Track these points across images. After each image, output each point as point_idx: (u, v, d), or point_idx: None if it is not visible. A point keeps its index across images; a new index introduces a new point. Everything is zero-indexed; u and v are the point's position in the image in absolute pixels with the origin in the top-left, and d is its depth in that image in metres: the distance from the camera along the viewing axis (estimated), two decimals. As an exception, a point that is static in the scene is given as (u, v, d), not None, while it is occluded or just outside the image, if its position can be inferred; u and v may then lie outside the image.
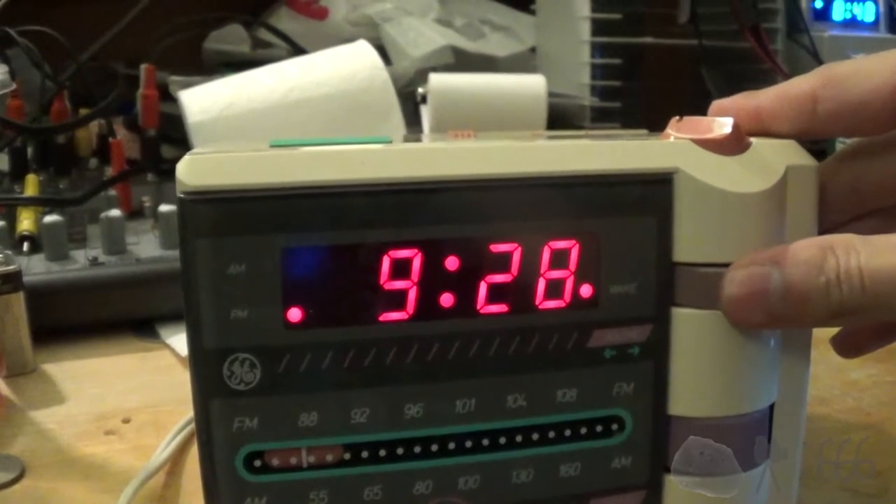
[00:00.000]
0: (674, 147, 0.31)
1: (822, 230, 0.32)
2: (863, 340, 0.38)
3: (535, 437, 0.31)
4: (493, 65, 0.96)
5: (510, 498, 0.31)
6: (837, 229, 0.31)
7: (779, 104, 0.33)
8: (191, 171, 0.28)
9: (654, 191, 0.30)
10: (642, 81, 0.89)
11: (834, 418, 0.45)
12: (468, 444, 0.31)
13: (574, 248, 0.30)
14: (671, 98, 0.33)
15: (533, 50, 1.03)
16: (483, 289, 0.30)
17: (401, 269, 0.29)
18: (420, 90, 0.79)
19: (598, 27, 0.89)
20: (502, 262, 0.30)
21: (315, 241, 0.29)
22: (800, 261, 0.29)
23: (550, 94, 0.79)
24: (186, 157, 0.29)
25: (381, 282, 0.29)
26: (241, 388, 0.29)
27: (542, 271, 0.30)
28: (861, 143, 0.35)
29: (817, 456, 0.40)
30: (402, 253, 0.29)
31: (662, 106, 0.33)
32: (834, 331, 0.38)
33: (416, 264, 0.29)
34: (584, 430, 0.32)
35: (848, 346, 0.38)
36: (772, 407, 0.33)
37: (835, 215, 0.34)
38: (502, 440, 0.31)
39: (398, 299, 0.29)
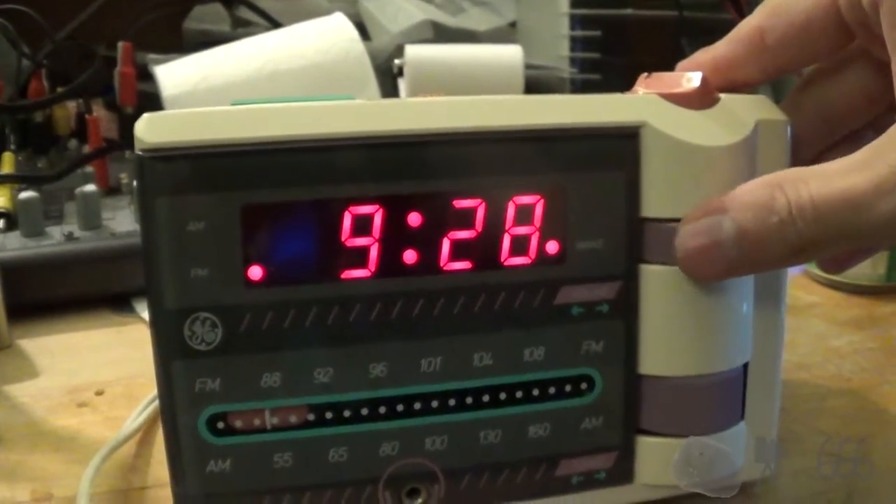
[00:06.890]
0: (641, 101, 0.31)
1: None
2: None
3: (503, 396, 0.31)
4: (473, 40, 0.95)
5: (478, 459, 0.31)
6: (809, 163, 0.29)
7: (732, 48, 0.33)
8: (149, 129, 0.28)
9: (621, 145, 0.30)
10: (623, 54, 0.89)
11: (814, 384, 0.45)
12: (434, 404, 0.30)
13: (539, 204, 0.30)
14: (652, 70, 0.33)
15: (513, 24, 1.02)
16: (446, 245, 0.29)
17: (362, 225, 0.29)
18: (396, 62, 0.78)
19: (578, -1, 0.89)
20: (466, 218, 0.29)
21: (275, 198, 0.28)
22: (748, 204, 0.28)
23: (529, 66, 0.78)
24: (145, 116, 0.28)
25: (343, 239, 0.29)
26: (203, 348, 0.28)
27: (506, 227, 0.30)
28: (819, 68, 0.35)
29: (801, 423, 0.40)
30: (364, 209, 0.29)
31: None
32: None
33: (378, 220, 0.29)
34: (552, 390, 0.31)
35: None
36: (746, 368, 0.33)
37: (805, 150, 0.34)
38: (469, 400, 0.31)
39: (360, 256, 0.29)
